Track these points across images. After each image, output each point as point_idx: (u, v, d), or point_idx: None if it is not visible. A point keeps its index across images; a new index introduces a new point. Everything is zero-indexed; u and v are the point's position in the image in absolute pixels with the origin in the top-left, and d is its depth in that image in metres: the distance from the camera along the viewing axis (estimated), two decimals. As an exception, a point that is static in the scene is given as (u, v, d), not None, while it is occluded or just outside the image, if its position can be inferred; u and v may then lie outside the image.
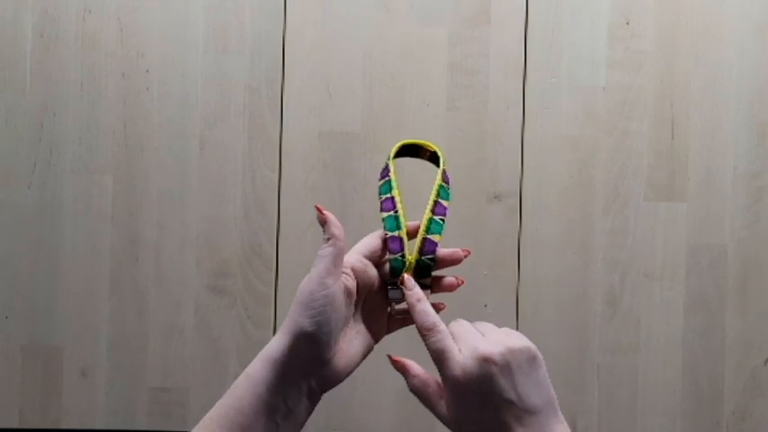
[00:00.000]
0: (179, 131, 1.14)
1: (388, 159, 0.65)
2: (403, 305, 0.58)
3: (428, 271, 0.59)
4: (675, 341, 1.15)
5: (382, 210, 0.61)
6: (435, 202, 0.62)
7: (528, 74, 1.16)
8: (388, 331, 0.60)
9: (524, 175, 1.15)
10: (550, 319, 1.14)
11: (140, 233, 1.13)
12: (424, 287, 0.58)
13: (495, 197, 1.15)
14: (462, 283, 0.60)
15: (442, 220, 0.61)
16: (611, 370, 1.15)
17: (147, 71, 1.14)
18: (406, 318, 0.59)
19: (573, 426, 1.10)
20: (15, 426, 1.13)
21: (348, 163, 1.15)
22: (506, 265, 1.14)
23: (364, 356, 0.58)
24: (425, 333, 0.55)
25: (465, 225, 1.14)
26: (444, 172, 0.64)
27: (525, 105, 1.15)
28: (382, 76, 1.15)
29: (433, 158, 0.65)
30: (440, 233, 0.60)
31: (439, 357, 0.54)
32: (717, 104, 1.16)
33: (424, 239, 0.59)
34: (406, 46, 1.15)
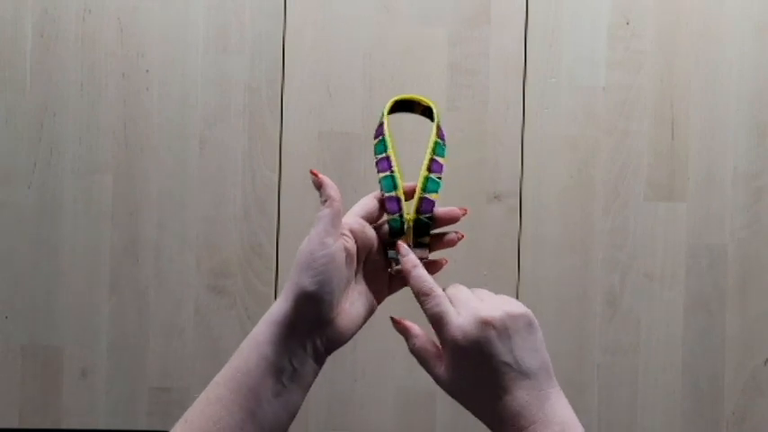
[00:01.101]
0: (179, 131, 1.14)
1: (382, 116, 0.64)
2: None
3: (426, 230, 0.59)
4: (675, 341, 1.15)
5: (378, 170, 0.61)
6: (431, 160, 0.61)
7: (528, 74, 1.16)
8: (390, 292, 0.61)
9: (524, 175, 1.15)
10: (550, 319, 1.14)
11: (140, 233, 1.13)
12: (422, 246, 0.59)
13: (495, 197, 1.15)
14: (462, 237, 0.61)
15: (439, 178, 0.60)
16: (611, 370, 1.15)
17: (147, 71, 1.14)
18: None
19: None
20: (15, 426, 1.13)
21: (348, 163, 1.15)
22: (506, 265, 1.14)
23: (367, 317, 0.59)
24: (423, 298, 0.56)
25: (465, 225, 1.13)
26: (439, 127, 0.63)
27: (525, 105, 1.15)
28: (382, 76, 1.15)
29: (428, 113, 0.64)
30: (437, 191, 0.60)
31: (438, 321, 0.55)
32: (717, 104, 1.16)
33: (422, 198, 0.59)
34: (406, 46, 1.15)
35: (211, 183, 1.14)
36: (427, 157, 0.61)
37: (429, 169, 0.61)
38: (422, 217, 0.59)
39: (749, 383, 1.16)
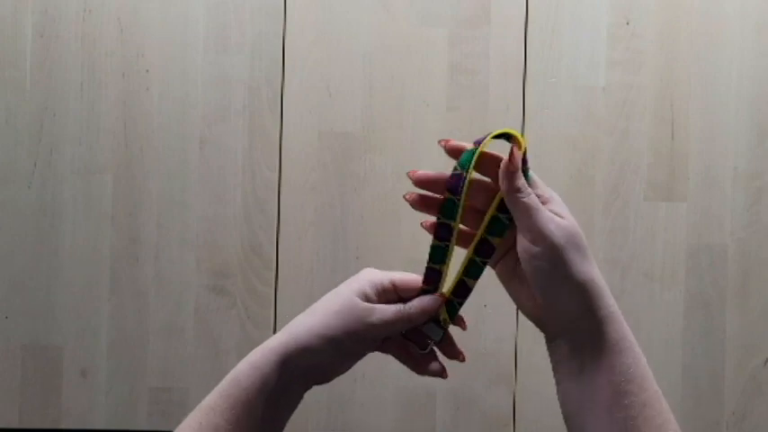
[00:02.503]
0: (179, 131, 1.14)
1: (467, 165, 0.54)
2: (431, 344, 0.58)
3: (454, 312, 0.57)
4: (675, 341, 1.15)
5: (436, 236, 0.55)
6: (483, 240, 0.54)
7: (528, 74, 1.16)
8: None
9: (524, 175, 1.15)
10: (550, 319, 1.14)
11: (140, 233, 1.13)
12: (438, 327, 0.57)
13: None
14: (463, 359, 0.60)
15: (484, 264, 0.55)
16: (611, 370, 1.15)
17: (147, 71, 1.14)
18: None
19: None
20: (15, 426, 1.13)
21: (348, 163, 1.15)
22: (506, 265, 1.14)
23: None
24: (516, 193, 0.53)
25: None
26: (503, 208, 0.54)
27: (525, 105, 1.15)
28: (382, 76, 1.15)
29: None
30: (477, 278, 0.56)
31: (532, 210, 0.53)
32: (717, 104, 1.16)
33: (461, 281, 0.56)
34: (406, 46, 1.15)
35: (211, 183, 1.14)
36: (479, 233, 0.54)
37: (477, 251, 0.55)
38: (455, 301, 0.56)
39: (749, 383, 1.16)
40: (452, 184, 0.54)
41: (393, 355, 0.59)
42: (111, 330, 1.13)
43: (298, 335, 0.55)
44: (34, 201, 1.13)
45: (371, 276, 0.57)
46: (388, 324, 0.55)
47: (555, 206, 0.54)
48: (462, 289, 0.56)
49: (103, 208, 1.13)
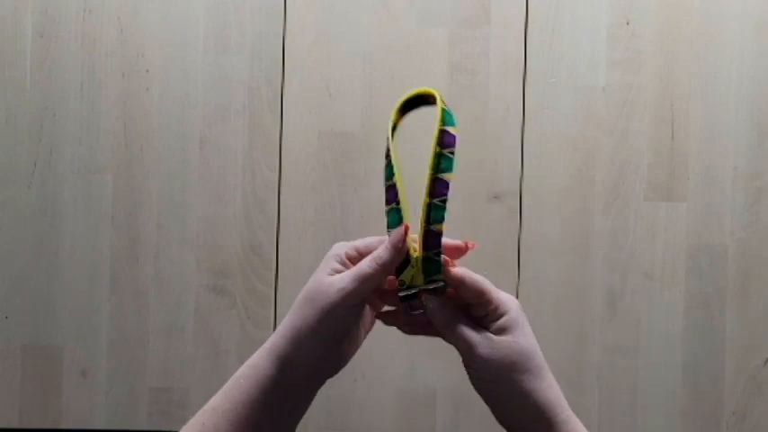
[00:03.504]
0: (179, 131, 1.14)
1: (388, 136, 0.56)
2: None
3: (437, 268, 0.54)
4: (675, 341, 1.15)
5: (386, 201, 0.54)
6: (433, 180, 0.52)
7: (528, 74, 1.16)
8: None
9: (524, 175, 1.15)
10: (550, 319, 1.14)
11: (140, 233, 1.13)
12: (436, 282, 0.54)
13: (495, 197, 1.15)
14: (474, 246, 0.57)
15: (443, 202, 0.52)
16: (611, 370, 1.15)
17: (147, 71, 1.14)
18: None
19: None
20: (15, 426, 1.13)
21: (348, 163, 1.15)
22: (506, 265, 1.14)
23: (367, 334, 0.59)
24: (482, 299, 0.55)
25: (465, 225, 1.14)
26: (443, 132, 0.53)
27: (525, 105, 1.15)
28: (382, 76, 1.15)
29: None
30: (442, 221, 0.52)
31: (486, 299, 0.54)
32: (717, 104, 1.16)
33: (427, 231, 0.52)
34: (406, 46, 1.15)
35: (211, 183, 1.14)
36: (428, 176, 0.52)
37: (431, 194, 0.52)
38: (430, 254, 0.53)
39: (749, 383, 1.16)
40: (389, 198, 0.55)
41: (395, 325, 0.58)
42: (111, 330, 1.13)
43: (284, 333, 0.55)
44: (34, 201, 1.13)
45: (337, 250, 0.56)
46: (347, 290, 0.53)
47: (502, 320, 0.54)
48: (433, 239, 0.53)
49: (103, 208, 1.13)
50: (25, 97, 1.13)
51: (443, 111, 0.54)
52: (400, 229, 0.53)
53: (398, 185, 0.53)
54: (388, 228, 0.54)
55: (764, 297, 1.16)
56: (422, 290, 0.54)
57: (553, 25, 1.16)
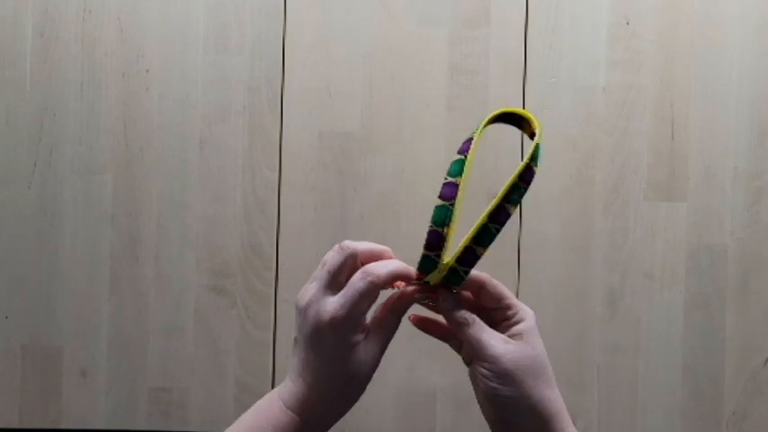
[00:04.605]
0: (179, 131, 1.14)
1: (477, 130, 0.53)
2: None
3: (458, 283, 0.54)
4: (675, 341, 1.15)
5: (441, 195, 0.52)
6: (499, 206, 0.52)
7: (528, 74, 1.16)
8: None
9: (524, 175, 1.15)
10: (550, 320, 1.14)
11: (140, 233, 1.13)
12: (447, 288, 0.54)
13: (494, 197, 1.14)
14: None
15: (497, 230, 0.52)
16: (611, 370, 1.15)
17: (147, 71, 1.14)
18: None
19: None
20: (15, 426, 1.13)
21: (348, 163, 1.15)
22: (506, 265, 1.14)
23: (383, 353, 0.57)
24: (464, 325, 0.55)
25: (465, 225, 1.13)
26: (528, 168, 0.52)
27: (525, 105, 1.15)
28: (382, 76, 1.15)
29: (533, 138, 0.53)
30: (486, 246, 0.52)
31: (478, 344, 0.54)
32: (717, 104, 1.16)
33: (468, 248, 0.52)
34: (406, 46, 1.15)
35: (211, 183, 1.14)
36: (497, 199, 0.52)
37: (491, 217, 0.52)
38: (460, 269, 0.53)
39: (749, 383, 1.16)
40: (446, 193, 0.52)
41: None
42: (111, 330, 1.13)
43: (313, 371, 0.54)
44: (34, 201, 1.13)
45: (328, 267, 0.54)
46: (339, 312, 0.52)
47: (519, 325, 0.54)
48: (471, 257, 0.53)
49: (103, 208, 1.13)
50: (25, 97, 1.13)
51: (537, 146, 0.53)
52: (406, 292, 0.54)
53: (462, 186, 0.52)
54: (432, 222, 0.53)
55: (764, 297, 1.16)
56: (437, 285, 0.54)
57: (553, 25, 1.16)
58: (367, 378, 0.54)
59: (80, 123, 1.13)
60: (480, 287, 0.55)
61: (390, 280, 0.53)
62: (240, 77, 1.14)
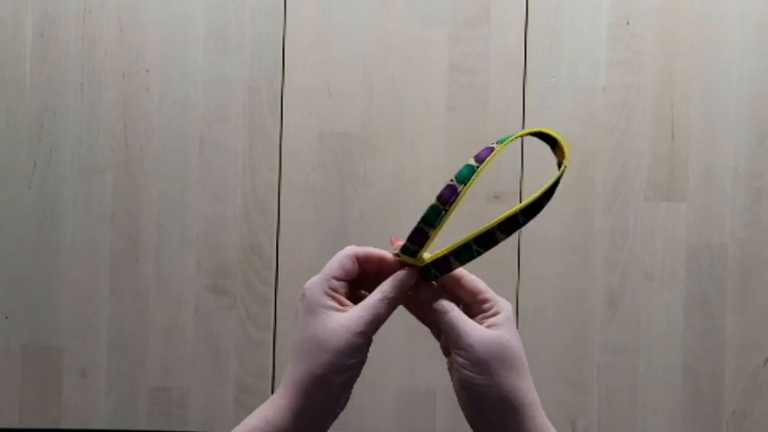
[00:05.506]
0: (179, 131, 1.14)
1: (504, 140, 0.54)
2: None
3: (430, 279, 0.56)
4: (675, 341, 1.15)
5: (439, 197, 0.53)
6: (490, 232, 0.53)
7: (528, 74, 1.16)
8: None
9: (524, 175, 1.15)
10: (550, 319, 1.14)
11: (140, 233, 1.13)
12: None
13: (495, 197, 1.15)
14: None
15: (478, 253, 0.53)
16: (611, 370, 1.15)
17: (147, 71, 1.14)
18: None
19: (573, 426, 1.10)
20: (15, 426, 1.13)
21: (348, 163, 1.15)
22: (506, 265, 1.14)
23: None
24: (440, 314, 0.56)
25: (465, 225, 1.13)
26: (536, 205, 0.54)
27: (525, 105, 1.15)
28: (382, 76, 1.15)
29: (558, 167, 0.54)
30: (464, 263, 0.54)
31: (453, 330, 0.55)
32: (717, 104, 1.16)
33: (445, 258, 0.54)
34: (406, 46, 1.15)
35: (211, 183, 1.14)
36: (491, 225, 0.53)
37: (478, 240, 0.53)
38: (433, 272, 0.55)
39: (749, 383, 1.16)
40: (444, 195, 0.53)
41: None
42: (111, 330, 1.13)
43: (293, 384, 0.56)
44: (34, 201, 1.13)
45: (318, 286, 0.56)
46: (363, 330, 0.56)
47: (495, 317, 0.55)
48: (444, 265, 0.55)
49: (103, 208, 1.13)
50: (25, 97, 1.13)
51: (557, 182, 0.55)
52: (410, 273, 0.56)
53: (463, 194, 0.53)
54: (421, 218, 0.54)
55: (764, 297, 1.16)
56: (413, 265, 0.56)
57: (553, 25, 1.16)
58: (348, 347, 0.57)
59: (80, 123, 1.13)
60: (457, 281, 0.56)
61: (360, 252, 0.57)
62: (240, 77, 1.14)
